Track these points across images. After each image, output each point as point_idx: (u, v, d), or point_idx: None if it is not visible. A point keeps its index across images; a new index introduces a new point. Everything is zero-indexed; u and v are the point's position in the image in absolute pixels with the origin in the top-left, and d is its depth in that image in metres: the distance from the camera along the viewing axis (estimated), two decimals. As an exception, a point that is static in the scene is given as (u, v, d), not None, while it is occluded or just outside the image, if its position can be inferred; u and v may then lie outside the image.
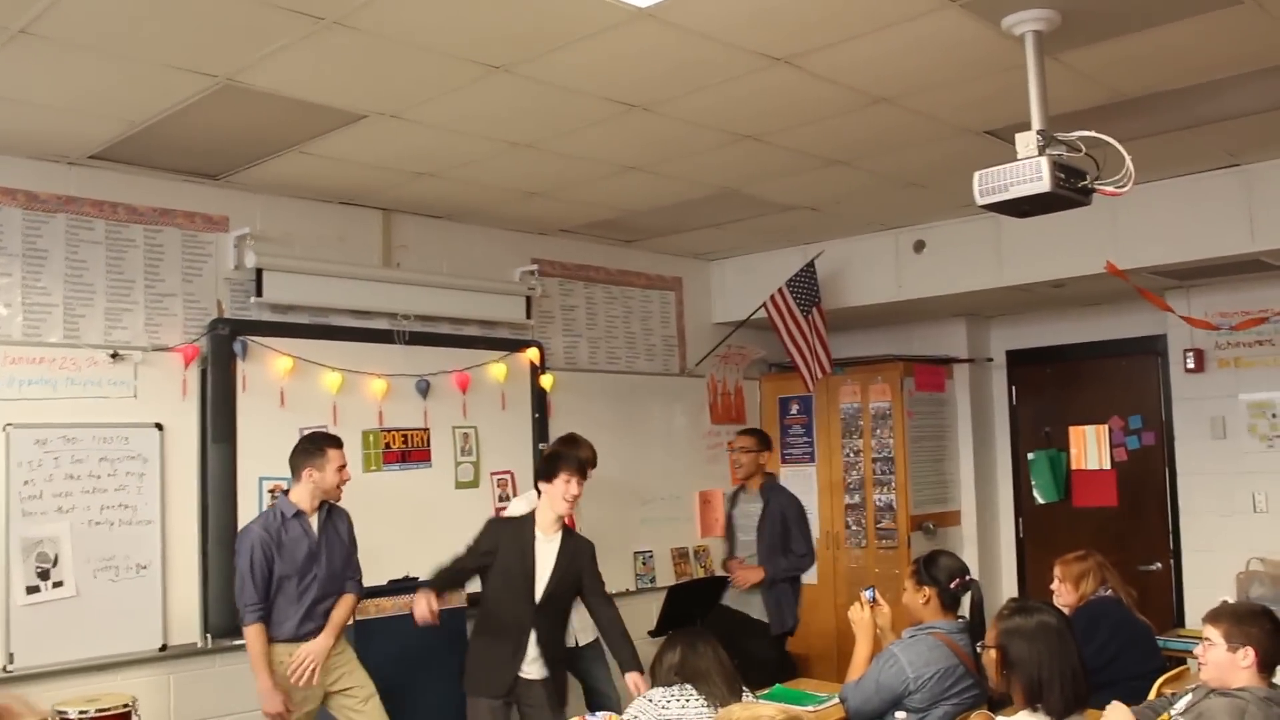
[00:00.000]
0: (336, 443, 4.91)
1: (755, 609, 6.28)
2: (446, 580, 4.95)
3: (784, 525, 6.36)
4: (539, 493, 4.99)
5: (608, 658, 5.83)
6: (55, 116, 4.40)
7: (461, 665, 4.97)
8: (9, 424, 4.71)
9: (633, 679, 4.77)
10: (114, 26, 3.55)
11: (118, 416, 5.02)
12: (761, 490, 6.45)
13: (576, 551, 4.97)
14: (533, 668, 4.83)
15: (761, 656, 6.14)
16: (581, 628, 5.80)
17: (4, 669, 4.58)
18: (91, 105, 4.29)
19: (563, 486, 4.88)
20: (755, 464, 6.44)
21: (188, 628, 5.16)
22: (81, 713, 4.23)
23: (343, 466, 4.87)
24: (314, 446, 4.86)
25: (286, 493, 4.88)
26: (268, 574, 4.66)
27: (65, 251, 4.98)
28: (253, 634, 4.63)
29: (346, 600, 4.90)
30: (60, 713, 4.24)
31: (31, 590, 4.69)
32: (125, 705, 4.33)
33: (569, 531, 5.00)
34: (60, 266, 4.96)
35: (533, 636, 4.82)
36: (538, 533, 4.89)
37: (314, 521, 4.83)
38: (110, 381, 5.04)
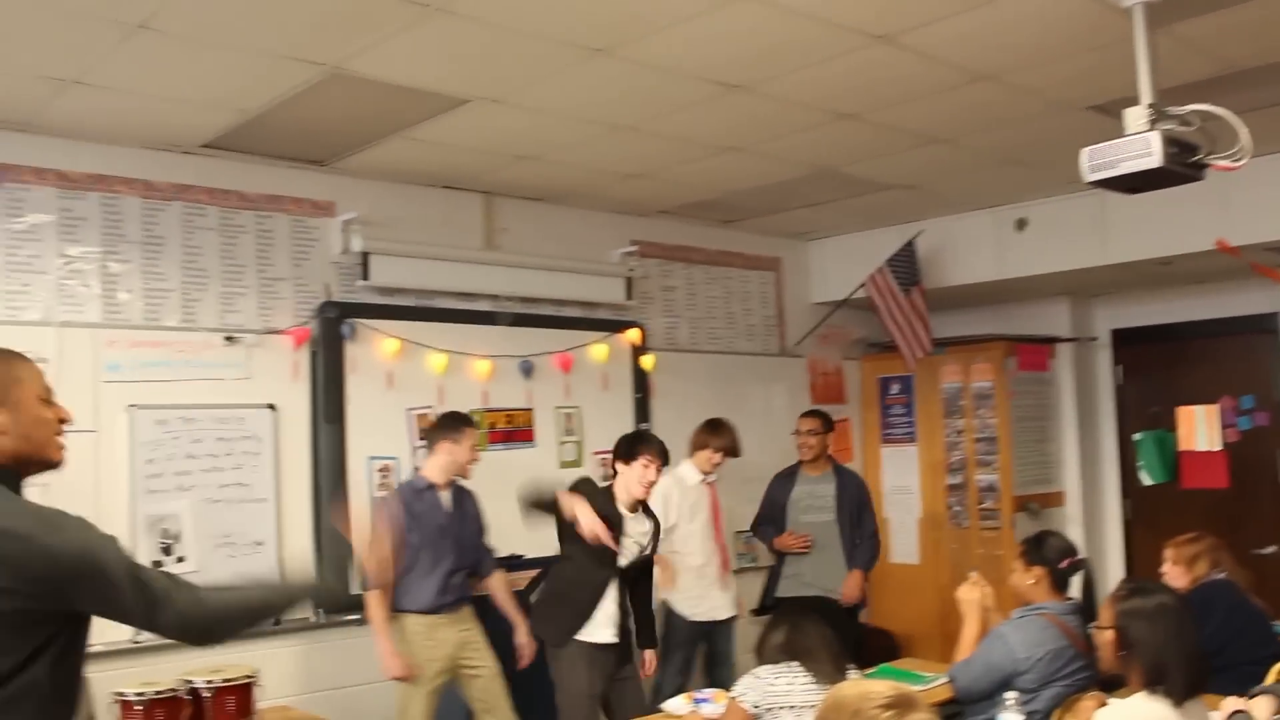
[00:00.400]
0: (473, 423, 5.19)
1: (833, 588, 6.35)
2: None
3: (858, 506, 6.47)
4: (615, 472, 4.98)
5: (736, 637, 5.96)
6: (171, 107, 4.54)
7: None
8: (132, 405, 4.89)
9: (649, 655, 5.06)
10: (228, 18, 3.65)
11: (233, 398, 5.18)
12: (835, 471, 6.53)
13: (657, 533, 5.05)
14: (605, 632, 4.82)
15: (854, 636, 6.20)
16: (723, 603, 5.91)
17: (132, 640, 4.75)
18: (205, 95, 4.42)
19: (640, 471, 4.86)
20: (823, 445, 6.50)
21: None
22: (208, 682, 4.37)
23: (475, 446, 5.12)
24: (454, 423, 5.12)
25: (417, 470, 5.25)
26: (399, 545, 4.78)
27: (181, 238, 5.14)
28: (372, 600, 4.83)
29: (500, 578, 5.26)
30: (187, 682, 4.38)
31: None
32: (249, 676, 4.45)
33: (647, 509, 5.03)
34: (177, 253, 5.12)
35: (611, 599, 4.83)
36: (621, 510, 4.88)
37: (445, 497, 5.06)
38: (225, 364, 5.20)
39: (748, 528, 6.92)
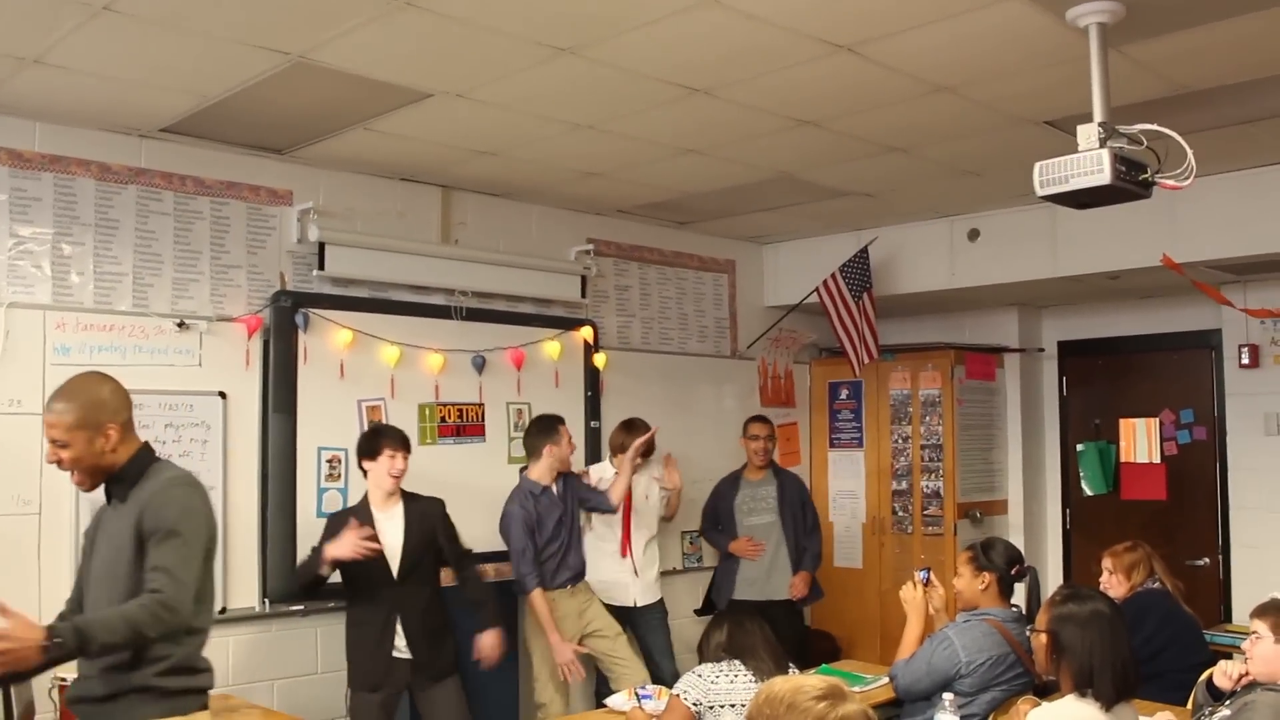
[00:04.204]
0: (563, 420, 5.74)
1: (778, 590, 6.53)
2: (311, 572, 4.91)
3: (800, 500, 6.72)
4: (364, 472, 5.06)
5: (668, 624, 6.04)
6: (131, 90, 4.51)
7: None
8: (80, 389, 4.83)
9: (487, 637, 5.05)
10: (194, 4, 3.64)
11: (183, 384, 5.15)
12: (774, 473, 6.77)
13: (423, 515, 5.06)
14: (399, 647, 4.93)
15: (797, 635, 6.33)
16: (642, 589, 6.00)
17: (73, 627, 4.72)
18: (166, 80, 4.39)
19: (387, 463, 4.96)
20: (772, 449, 6.82)
21: (247, 592, 5.29)
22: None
23: (571, 438, 5.71)
24: (549, 426, 5.69)
25: (524, 470, 5.72)
26: (535, 546, 5.47)
27: (135, 222, 5.10)
28: (537, 598, 5.46)
29: None
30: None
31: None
32: (190, 664, 4.44)
33: (410, 497, 5.08)
34: (130, 237, 5.08)
35: (399, 616, 4.91)
36: (374, 511, 4.98)
37: (555, 490, 5.66)
38: (176, 350, 5.16)
39: (695, 528, 6.99)
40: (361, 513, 4.97)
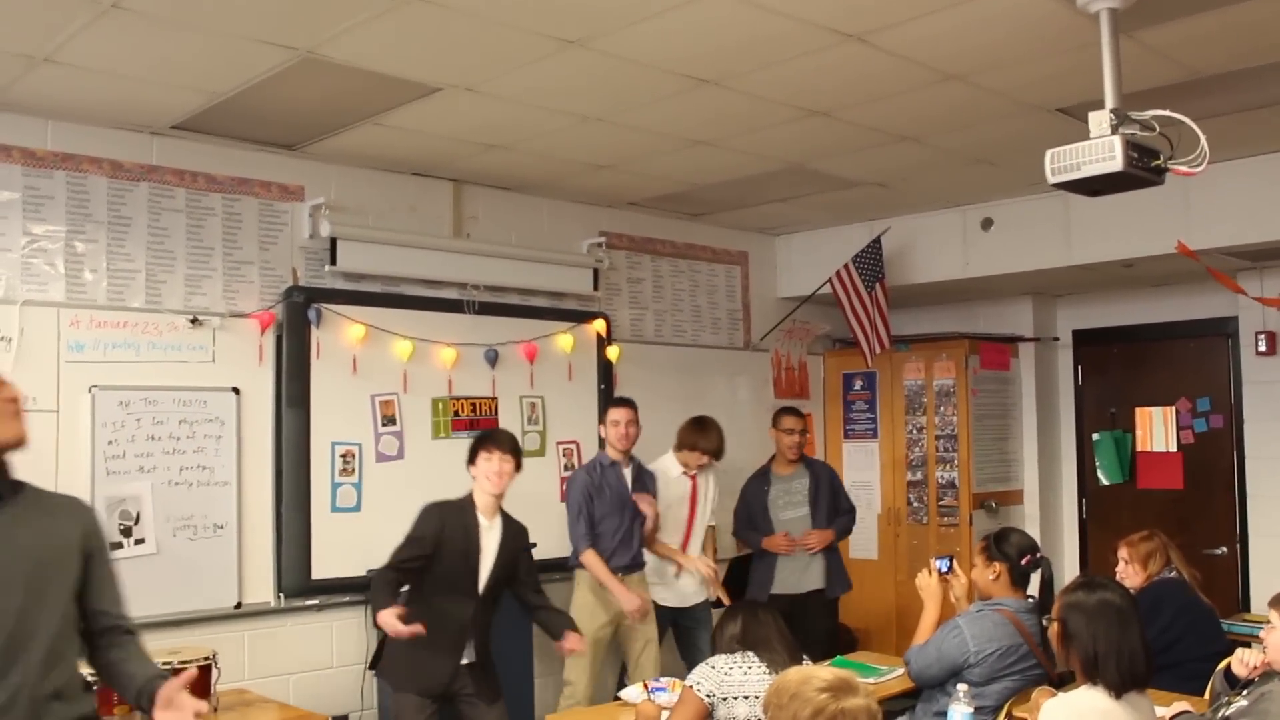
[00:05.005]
0: (629, 403, 5.88)
1: (812, 580, 6.42)
2: (393, 590, 4.54)
3: (833, 489, 6.61)
4: (473, 478, 4.76)
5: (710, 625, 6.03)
6: (141, 88, 4.52)
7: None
8: (94, 385, 4.86)
9: (571, 640, 4.83)
10: (201, 0, 3.64)
11: (197, 380, 5.16)
12: (805, 465, 6.63)
13: (516, 535, 4.84)
14: (467, 653, 4.70)
15: (830, 628, 6.30)
16: (696, 587, 5.98)
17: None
18: (176, 77, 4.40)
19: (485, 465, 4.68)
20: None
21: (262, 587, 5.31)
22: (165, 664, 4.34)
23: (619, 423, 5.77)
24: (608, 407, 5.95)
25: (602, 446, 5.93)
26: (591, 515, 5.60)
27: (148, 219, 5.12)
28: (591, 557, 5.55)
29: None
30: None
31: (115, 546, 4.83)
32: (206, 658, 4.45)
33: (506, 516, 4.82)
34: (143, 234, 5.10)
35: (471, 632, 4.67)
36: (480, 518, 4.71)
37: (627, 474, 5.77)
38: (190, 346, 5.17)
39: (710, 521, 6.97)
40: (466, 512, 4.68)
